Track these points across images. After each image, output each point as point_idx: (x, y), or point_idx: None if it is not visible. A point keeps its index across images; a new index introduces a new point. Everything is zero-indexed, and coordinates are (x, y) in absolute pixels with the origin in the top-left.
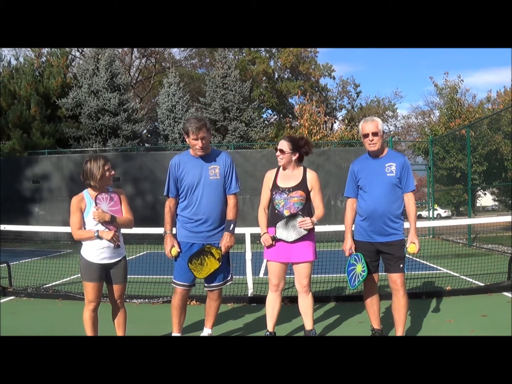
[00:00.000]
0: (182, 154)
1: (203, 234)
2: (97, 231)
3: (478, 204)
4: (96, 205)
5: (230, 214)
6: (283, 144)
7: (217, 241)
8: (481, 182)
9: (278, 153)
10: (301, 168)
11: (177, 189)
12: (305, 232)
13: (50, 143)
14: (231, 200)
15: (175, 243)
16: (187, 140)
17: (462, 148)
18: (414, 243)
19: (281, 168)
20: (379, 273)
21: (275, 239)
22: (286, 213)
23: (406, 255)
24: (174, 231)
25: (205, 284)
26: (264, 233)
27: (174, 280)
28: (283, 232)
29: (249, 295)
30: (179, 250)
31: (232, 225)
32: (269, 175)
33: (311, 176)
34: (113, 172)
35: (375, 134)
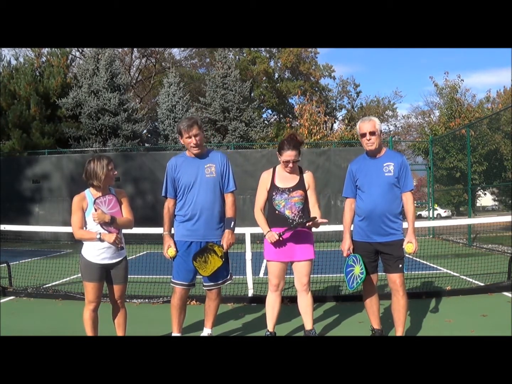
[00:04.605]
0: (178, 155)
1: (200, 232)
2: (100, 233)
3: (478, 204)
4: (95, 210)
5: (229, 212)
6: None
7: (215, 239)
8: (481, 182)
9: (296, 158)
10: (297, 168)
11: (175, 189)
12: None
13: (50, 143)
14: (229, 198)
15: (171, 243)
16: (181, 141)
17: (462, 148)
18: (411, 242)
19: (277, 168)
20: (379, 273)
21: (281, 236)
22: (287, 213)
23: (406, 255)
24: (172, 231)
25: (204, 284)
26: (268, 231)
27: (173, 280)
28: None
29: (249, 295)
30: (175, 250)
31: (232, 223)
32: (266, 176)
33: (308, 175)
34: (115, 172)
35: (372, 133)
